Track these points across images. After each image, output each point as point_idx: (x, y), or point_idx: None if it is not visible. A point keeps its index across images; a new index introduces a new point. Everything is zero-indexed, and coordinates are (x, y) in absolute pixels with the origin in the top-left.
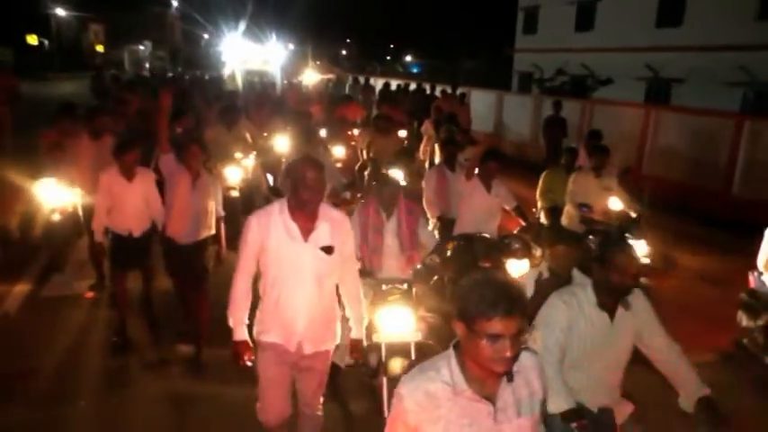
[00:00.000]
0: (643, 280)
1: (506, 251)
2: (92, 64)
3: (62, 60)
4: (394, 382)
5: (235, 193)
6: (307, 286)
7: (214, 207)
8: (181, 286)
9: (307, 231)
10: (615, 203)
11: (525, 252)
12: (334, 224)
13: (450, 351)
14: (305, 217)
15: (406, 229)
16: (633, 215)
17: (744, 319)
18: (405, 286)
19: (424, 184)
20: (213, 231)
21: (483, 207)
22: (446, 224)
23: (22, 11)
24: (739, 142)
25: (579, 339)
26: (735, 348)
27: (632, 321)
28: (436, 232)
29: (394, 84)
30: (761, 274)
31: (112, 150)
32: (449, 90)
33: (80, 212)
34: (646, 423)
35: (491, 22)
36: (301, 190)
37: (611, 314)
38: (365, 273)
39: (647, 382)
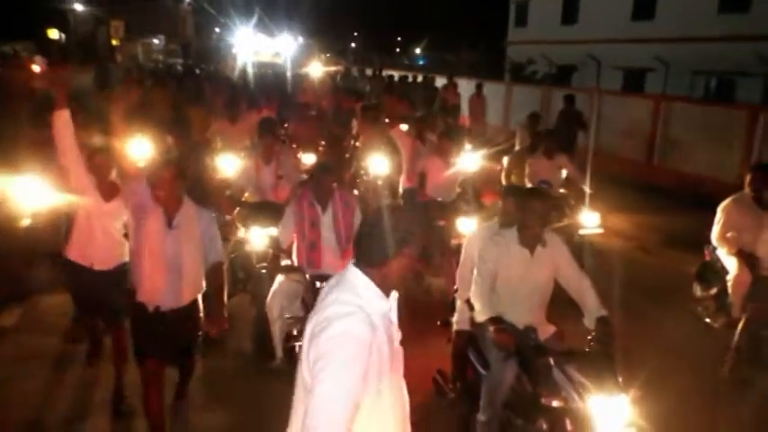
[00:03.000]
0: (591, 245)
1: (457, 211)
2: (106, 56)
3: (79, 53)
4: None
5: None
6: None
7: (205, 254)
8: (152, 381)
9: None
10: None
11: (472, 212)
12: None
13: None
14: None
15: (342, 222)
16: (587, 190)
17: (698, 290)
18: None
19: (401, 149)
20: (204, 289)
21: (441, 179)
22: (409, 193)
23: (43, 6)
24: (658, 120)
25: (505, 270)
26: (689, 315)
27: (550, 256)
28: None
29: (398, 76)
30: (714, 248)
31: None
32: (452, 81)
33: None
34: (565, 342)
35: (490, 15)
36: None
37: (531, 250)
38: (294, 269)
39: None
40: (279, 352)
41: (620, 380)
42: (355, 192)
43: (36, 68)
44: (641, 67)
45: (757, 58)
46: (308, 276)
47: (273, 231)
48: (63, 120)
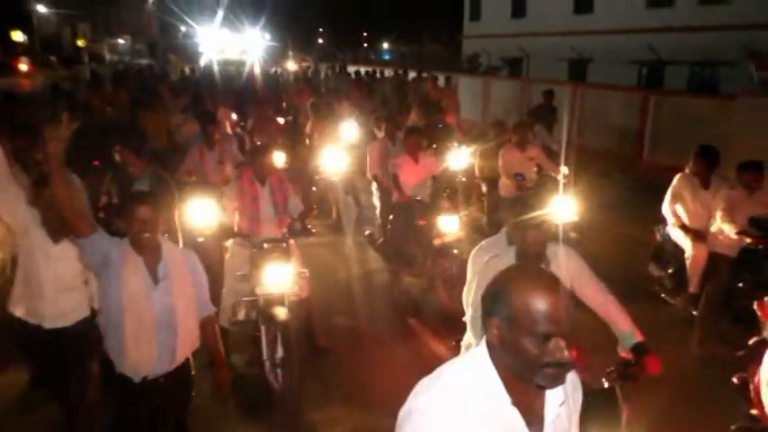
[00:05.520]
0: (573, 235)
1: (437, 210)
2: (72, 58)
3: (44, 55)
4: (270, 325)
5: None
6: None
7: (196, 307)
8: None
9: (537, 418)
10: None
11: (453, 209)
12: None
13: None
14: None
15: (279, 195)
16: (560, 178)
17: (654, 270)
18: (284, 245)
19: (368, 154)
20: (198, 345)
21: (413, 175)
22: (383, 190)
23: (6, 8)
24: (575, 104)
25: None
26: (646, 295)
27: (559, 275)
28: (376, 197)
29: (363, 71)
30: (664, 227)
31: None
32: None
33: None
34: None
35: (451, 10)
36: (537, 325)
37: None
38: (242, 235)
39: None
40: (229, 312)
41: (624, 420)
42: (314, 189)
43: (24, 68)
44: (583, 58)
45: (682, 47)
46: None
47: (211, 204)
48: None
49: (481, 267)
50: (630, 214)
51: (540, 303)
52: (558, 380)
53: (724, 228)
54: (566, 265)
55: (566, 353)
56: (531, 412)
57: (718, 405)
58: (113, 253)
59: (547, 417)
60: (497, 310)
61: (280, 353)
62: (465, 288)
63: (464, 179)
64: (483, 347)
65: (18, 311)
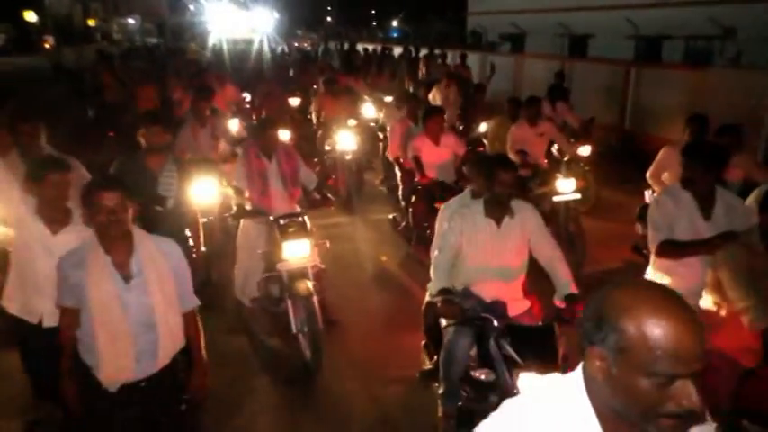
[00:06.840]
0: (574, 212)
1: (456, 192)
2: (83, 36)
3: (56, 34)
4: (296, 299)
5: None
6: None
7: (178, 302)
8: None
9: None
10: (585, 150)
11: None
12: None
13: None
14: None
15: (287, 169)
16: (566, 157)
17: (640, 228)
18: (300, 219)
19: (389, 133)
20: (183, 343)
21: (434, 157)
22: (406, 172)
23: None
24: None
25: (470, 242)
26: (633, 252)
27: (519, 227)
28: (398, 179)
29: (371, 49)
30: (654, 191)
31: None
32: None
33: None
34: (541, 317)
35: None
36: None
37: (498, 222)
38: (258, 212)
39: None
40: (255, 290)
41: (562, 357)
42: (317, 169)
43: (48, 46)
44: (584, 34)
45: (675, 22)
46: (270, 218)
47: (213, 182)
48: None
49: (449, 215)
50: (613, 179)
51: (664, 334)
52: None
53: None
54: (527, 217)
55: (694, 399)
56: None
57: None
58: (83, 252)
59: None
60: (602, 338)
61: (305, 326)
62: (435, 238)
63: None
64: (577, 377)
65: (13, 309)
